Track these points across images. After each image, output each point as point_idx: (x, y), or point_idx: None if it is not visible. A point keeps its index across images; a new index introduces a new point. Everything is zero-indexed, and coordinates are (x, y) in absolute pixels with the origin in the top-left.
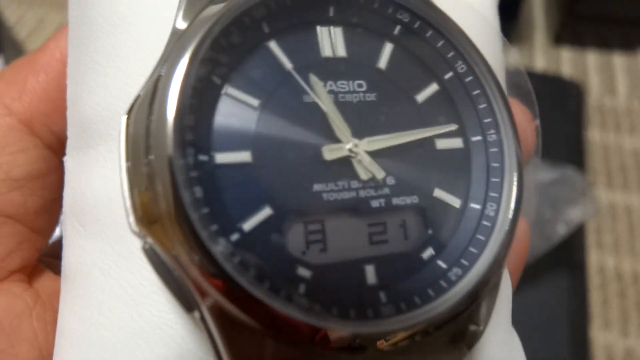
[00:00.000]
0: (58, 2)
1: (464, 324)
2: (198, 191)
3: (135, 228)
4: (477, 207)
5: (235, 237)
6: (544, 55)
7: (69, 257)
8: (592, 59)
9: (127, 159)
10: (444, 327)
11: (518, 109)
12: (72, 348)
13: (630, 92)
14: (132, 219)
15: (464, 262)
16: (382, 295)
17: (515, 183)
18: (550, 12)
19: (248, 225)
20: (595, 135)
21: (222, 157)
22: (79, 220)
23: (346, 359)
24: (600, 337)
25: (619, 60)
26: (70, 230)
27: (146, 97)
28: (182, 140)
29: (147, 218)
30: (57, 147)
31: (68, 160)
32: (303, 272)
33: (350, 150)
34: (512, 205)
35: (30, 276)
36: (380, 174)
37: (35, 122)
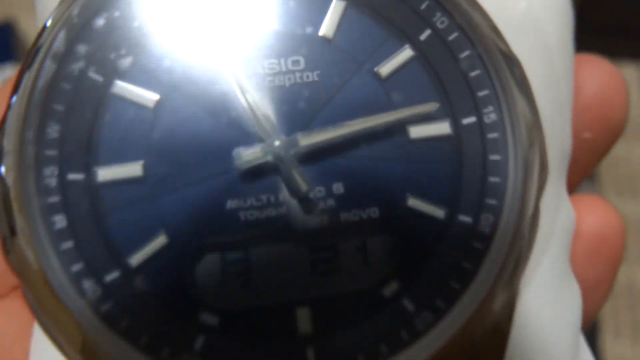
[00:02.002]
0: None
1: None
2: (59, 221)
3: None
4: (467, 220)
5: (112, 276)
6: None
7: None
8: None
9: None
10: None
11: (599, 68)
12: None
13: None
14: None
15: (439, 303)
16: (310, 354)
17: (523, 183)
18: None
19: (136, 259)
20: None
21: (105, 174)
22: None
23: None
24: (611, 347)
25: (628, 71)
26: None
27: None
28: (35, 159)
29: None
30: None
31: None
32: (208, 319)
33: (273, 152)
34: (518, 219)
35: None
36: (319, 183)
37: None
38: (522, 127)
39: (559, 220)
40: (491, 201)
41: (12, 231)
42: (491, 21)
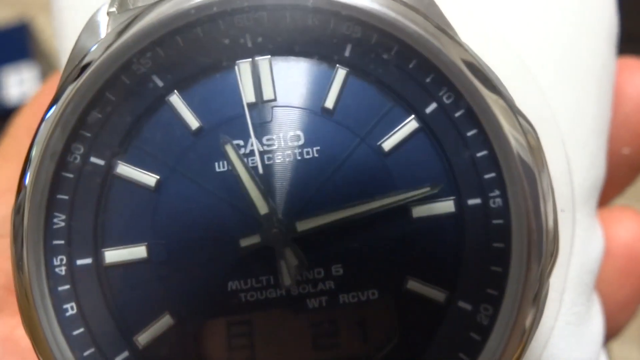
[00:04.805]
0: None
1: None
2: (72, 308)
3: None
4: (467, 307)
5: (122, 356)
6: None
7: None
8: None
9: None
10: None
11: None
12: None
13: None
14: None
15: None
16: None
17: (526, 278)
18: None
19: (143, 338)
20: None
21: (111, 256)
22: None
23: None
24: (617, 350)
25: None
26: None
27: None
28: (44, 250)
29: None
30: None
31: None
32: None
33: (272, 238)
34: (518, 314)
35: None
36: (318, 264)
37: None
38: (529, 213)
39: (586, 256)
40: (492, 291)
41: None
42: (503, 93)
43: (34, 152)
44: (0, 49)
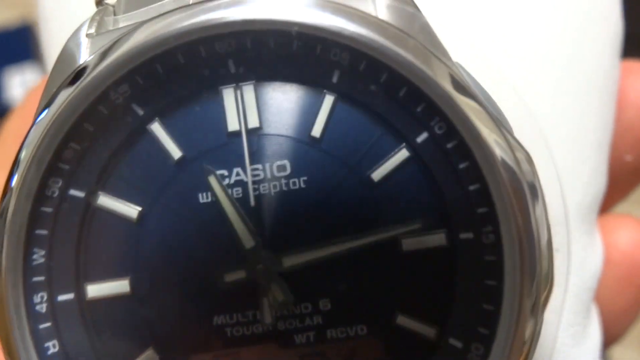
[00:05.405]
0: None
1: None
2: (53, 346)
3: None
4: (458, 345)
5: None
6: None
7: None
8: None
9: None
10: None
11: None
12: None
13: None
14: None
15: None
16: None
17: (518, 318)
18: None
19: None
20: None
21: (94, 290)
22: None
23: None
24: (619, 354)
25: None
26: None
27: None
28: (24, 289)
29: None
30: None
31: None
32: None
33: (257, 273)
34: (510, 354)
35: None
36: (305, 299)
37: None
38: (524, 252)
39: (585, 273)
40: (483, 330)
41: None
42: (496, 122)
43: (10, 193)
44: (3, 50)
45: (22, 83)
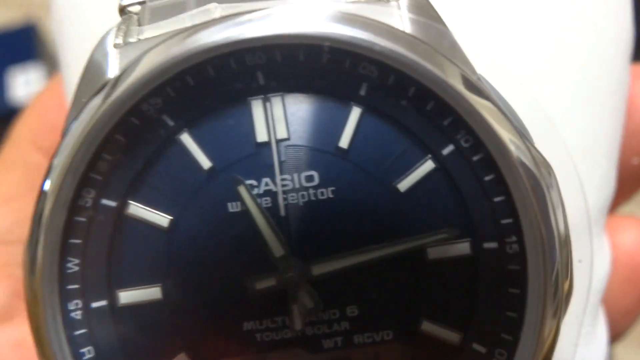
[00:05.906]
0: None
1: None
2: (89, 352)
3: None
4: (481, 350)
5: None
6: None
7: None
8: None
9: None
10: None
11: None
12: None
13: None
14: None
15: None
16: None
17: (541, 324)
18: None
19: None
20: None
21: (127, 296)
22: None
23: None
24: (621, 353)
25: None
26: None
27: None
28: (59, 296)
29: None
30: None
31: None
32: None
33: (286, 280)
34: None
35: None
36: (333, 305)
37: None
38: (546, 262)
39: (594, 277)
40: (507, 336)
41: None
42: (520, 135)
43: (44, 203)
44: (6, 49)
45: (26, 82)
